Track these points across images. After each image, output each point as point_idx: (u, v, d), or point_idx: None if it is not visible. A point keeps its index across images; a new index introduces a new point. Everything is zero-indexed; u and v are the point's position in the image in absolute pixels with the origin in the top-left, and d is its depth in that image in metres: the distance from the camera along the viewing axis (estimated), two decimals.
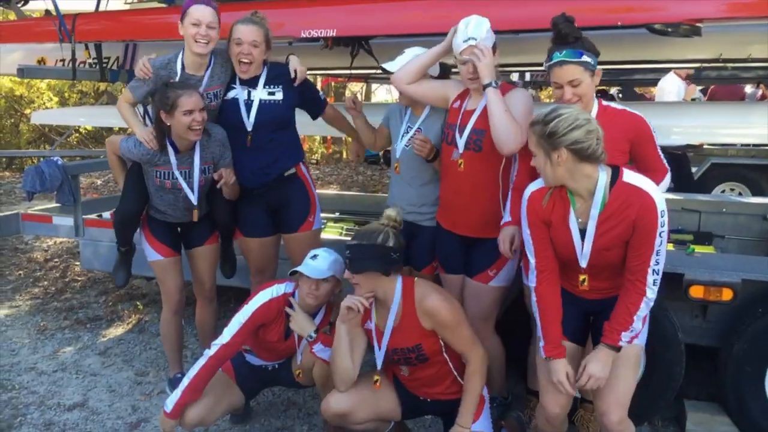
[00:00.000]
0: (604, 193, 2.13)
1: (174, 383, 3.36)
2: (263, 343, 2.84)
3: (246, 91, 3.07)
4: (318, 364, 2.73)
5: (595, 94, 2.50)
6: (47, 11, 4.75)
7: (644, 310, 2.17)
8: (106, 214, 4.77)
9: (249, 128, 3.06)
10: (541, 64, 3.95)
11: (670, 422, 3.11)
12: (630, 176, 2.14)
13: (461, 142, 2.71)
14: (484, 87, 2.58)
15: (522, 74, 7.38)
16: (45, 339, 4.21)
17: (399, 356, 2.54)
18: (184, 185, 3.01)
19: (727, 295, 2.75)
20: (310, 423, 3.17)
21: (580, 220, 2.21)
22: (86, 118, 7.03)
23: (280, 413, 3.26)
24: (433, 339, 2.48)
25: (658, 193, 2.13)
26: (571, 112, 2.11)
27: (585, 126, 2.08)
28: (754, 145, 6.27)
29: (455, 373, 2.57)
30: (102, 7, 4.90)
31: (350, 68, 4.12)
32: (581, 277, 2.30)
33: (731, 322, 2.90)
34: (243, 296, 3.05)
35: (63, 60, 4.93)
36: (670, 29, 3.01)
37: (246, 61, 2.97)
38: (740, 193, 6.33)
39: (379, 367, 2.58)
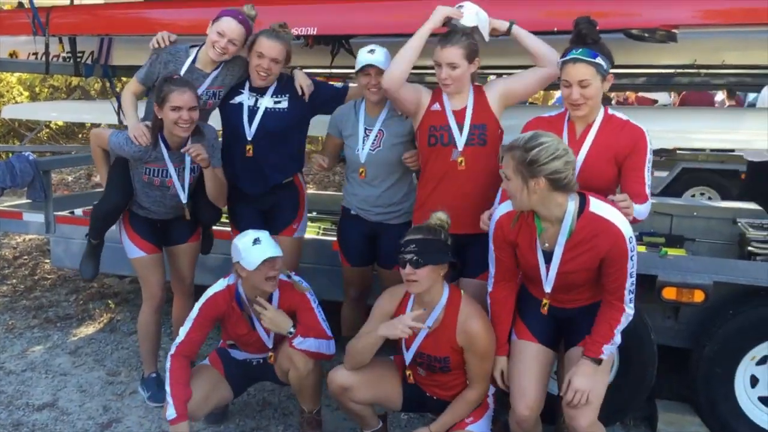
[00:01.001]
0: (571, 222, 2.19)
1: (148, 383, 3.32)
2: (236, 337, 2.85)
3: (254, 99, 3.08)
4: (293, 368, 2.73)
5: (601, 101, 2.48)
6: (20, 3, 4.65)
7: (624, 323, 2.26)
8: (78, 211, 4.68)
9: (249, 138, 3.06)
10: (521, 68, 3.98)
11: (642, 422, 3.15)
12: (596, 205, 2.20)
13: (461, 140, 2.71)
14: (510, 26, 2.74)
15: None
16: (13, 338, 4.11)
17: (423, 360, 2.55)
18: (177, 182, 2.99)
19: (698, 296, 2.80)
20: (285, 423, 3.15)
21: (546, 244, 2.27)
22: (58, 113, 6.88)
23: (255, 413, 3.24)
24: (461, 355, 2.49)
25: (623, 221, 2.19)
26: (552, 141, 2.15)
27: (564, 157, 2.13)
28: (723, 151, 6.40)
29: (467, 382, 2.58)
30: (77, 1, 4.82)
31: (330, 67, 4.11)
32: (543, 301, 2.40)
33: (703, 323, 2.95)
34: None
35: (36, 53, 4.84)
36: (646, 34, 3.06)
37: (264, 74, 2.97)
38: (710, 198, 6.45)
39: (407, 363, 2.60)
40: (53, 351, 3.93)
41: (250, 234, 2.66)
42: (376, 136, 2.96)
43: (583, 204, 2.20)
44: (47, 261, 5.57)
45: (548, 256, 2.28)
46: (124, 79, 5.81)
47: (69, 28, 4.35)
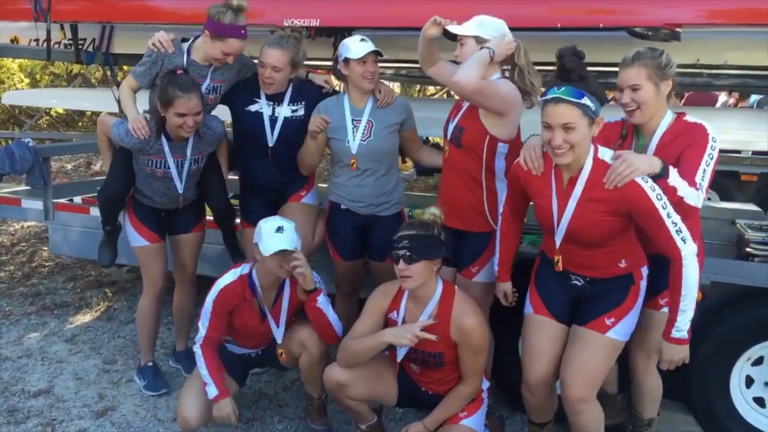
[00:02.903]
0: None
1: (144, 372, 3.32)
2: (243, 330, 2.82)
3: (271, 108, 3.11)
4: (305, 353, 2.74)
5: (590, 145, 2.18)
6: None
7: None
8: (78, 199, 4.68)
9: (271, 144, 3.12)
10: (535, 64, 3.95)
11: None
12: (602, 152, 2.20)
13: (448, 135, 2.74)
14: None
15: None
16: (10, 324, 4.11)
17: (417, 356, 2.55)
18: (175, 174, 3.00)
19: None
20: (281, 414, 3.16)
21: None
22: (59, 100, 6.90)
23: (251, 404, 3.24)
24: (455, 350, 2.48)
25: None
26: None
27: None
28: (722, 153, 6.39)
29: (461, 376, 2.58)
30: None
31: (333, 59, 4.09)
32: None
33: (700, 323, 2.94)
34: None
35: (37, 40, 4.82)
36: (650, 33, 3.06)
37: (268, 82, 3.01)
38: (709, 198, 6.45)
39: (399, 359, 2.59)
40: (50, 338, 3.93)
41: (277, 221, 2.67)
42: (366, 126, 2.96)
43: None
44: (45, 248, 5.57)
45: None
46: (125, 67, 5.80)
47: (71, 14, 4.34)
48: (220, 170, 3.22)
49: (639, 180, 2.08)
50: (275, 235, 2.59)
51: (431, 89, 11.06)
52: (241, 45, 2.95)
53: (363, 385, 2.59)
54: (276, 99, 3.11)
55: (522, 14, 3.00)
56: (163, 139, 2.93)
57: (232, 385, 2.89)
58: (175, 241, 3.28)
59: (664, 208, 2.07)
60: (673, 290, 2.16)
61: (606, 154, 2.18)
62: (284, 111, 3.11)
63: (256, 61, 3.11)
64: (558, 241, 2.32)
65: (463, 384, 2.53)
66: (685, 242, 2.09)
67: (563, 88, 2.10)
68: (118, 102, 4.91)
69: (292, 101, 3.11)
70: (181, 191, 3.06)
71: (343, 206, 3.08)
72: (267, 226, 2.63)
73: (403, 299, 2.52)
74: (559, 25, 3.18)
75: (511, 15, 2.89)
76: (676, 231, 2.08)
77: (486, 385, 2.64)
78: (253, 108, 3.13)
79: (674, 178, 2.16)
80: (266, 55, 2.97)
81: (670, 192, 2.14)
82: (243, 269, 2.78)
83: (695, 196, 2.18)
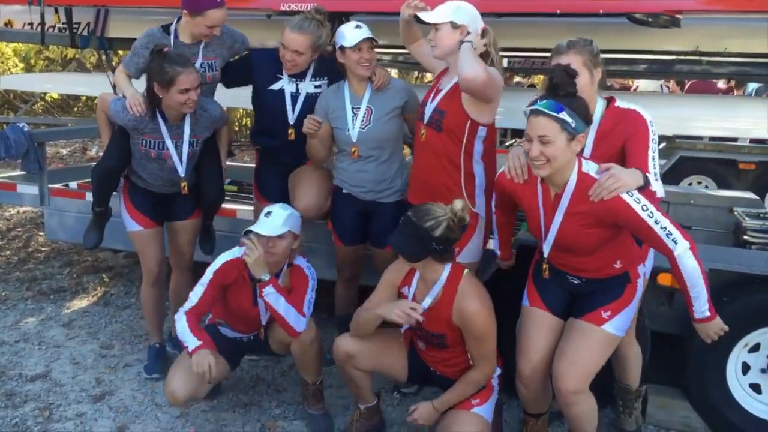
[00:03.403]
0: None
1: (149, 352, 3.34)
2: (237, 311, 2.82)
3: (294, 84, 3.09)
4: (296, 341, 2.71)
5: (574, 159, 2.19)
6: None
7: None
8: (73, 184, 4.65)
9: (291, 122, 3.10)
10: (522, 50, 3.94)
11: None
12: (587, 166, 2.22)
13: (425, 118, 2.74)
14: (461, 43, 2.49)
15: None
16: (6, 309, 4.10)
17: (422, 334, 2.56)
18: (174, 156, 2.97)
19: None
20: (278, 399, 3.16)
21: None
22: (53, 84, 6.86)
23: (248, 389, 3.25)
24: (458, 333, 2.47)
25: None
26: None
27: None
28: (720, 140, 6.40)
29: (471, 362, 2.57)
30: None
31: (330, 44, 4.06)
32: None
33: None
34: None
35: (31, 23, 4.78)
36: (650, 19, 3.04)
37: (289, 65, 3.00)
38: (706, 186, 6.45)
39: (402, 331, 2.62)
40: (46, 323, 3.93)
41: (274, 206, 2.72)
42: (365, 113, 2.95)
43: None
44: (41, 233, 5.55)
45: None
46: (120, 51, 5.75)
47: None
48: (218, 156, 3.19)
49: (623, 194, 2.11)
50: (262, 218, 2.66)
51: (428, 76, 11.02)
52: (222, 13, 2.94)
53: (371, 358, 2.62)
54: (298, 76, 3.10)
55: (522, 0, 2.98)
56: (160, 119, 2.91)
57: (223, 367, 2.88)
58: (173, 227, 3.27)
59: (650, 217, 2.11)
60: (681, 285, 2.21)
61: (591, 167, 2.21)
62: (307, 87, 3.10)
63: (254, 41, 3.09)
64: (547, 250, 2.37)
65: (474, 370, 2.51)
66: (676, 243, 2.13)
67: (545, 101, 2.12)
68: (113, 87, 4.89)
69: (314, 76, 3.10)
70: (183, 174, 3.04)
71: (344, 190, 3.08)
72: (265, 210, 2.67)
73: (416, 275, 2.53)
74: (558, 11, 3.16)
75: (511, 0, 2.88)
76: (666, 234, 2.12)
77: (497, 372, 2.62)
78: (276, 86, 3.11)
79: (652, 183, 2.21)
80: (287, 38, 2.95)
81: (651, 196, 2.18)
82: (243, 249, 2.76)
83: (660, 188, 2.24)
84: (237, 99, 3.69)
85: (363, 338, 2.59)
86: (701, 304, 2.20)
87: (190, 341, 2.57)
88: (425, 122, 2.74)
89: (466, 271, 2.48)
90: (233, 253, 2.76)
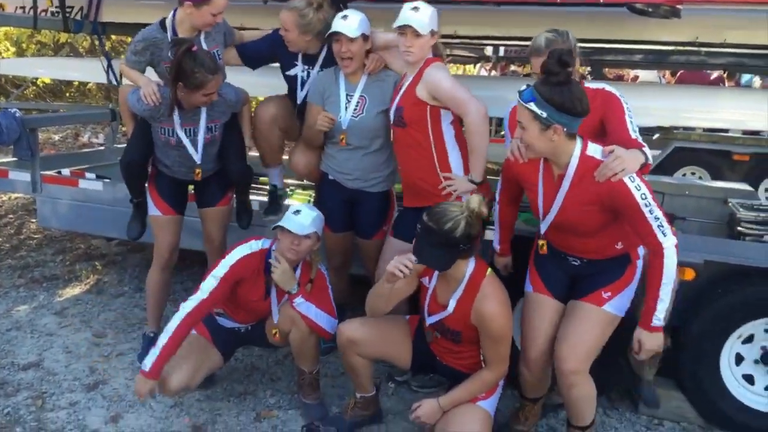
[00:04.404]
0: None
1: (146, 340, 3.32)
2: (243, 302, 2.81)
3: (306, 70, 3.11)
4: (295, 329, 2.72)
5: (573, 146, 2.20)
6: None
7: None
8: (66, 171, 4.61)
9: (299, 103, 3.13)
10: (519, 39, 3.91)
11: (626, 395, 3.18)
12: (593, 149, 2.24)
13: (392, 120, 2.83)
14: None
15: (496, 48, 7.27)
16: None
17: (438, 328, 2.56)
18: (187, 143, 2.98)
19: (689, 275, 2.81)
20: (273, 388, 3.16)
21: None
22: (46, 69, 6.76)
23: (243, 378, 3.24)
24: (474, 332, 2.47)
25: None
26: None
27: None
28: (715, 131, 6.41)
29: (481, 359, 2.56)
30: None
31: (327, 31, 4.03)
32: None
33: (692, 301, 2.96)
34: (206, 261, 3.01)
35: (23, 7, 4.71)
36: (650, 9, 3.02)
37: (286, 42, 3.03)
38: (701, 177, 6.47)
39: (427, 324, 2.60)
40: (39, 311, 3.90)
41: (302, 205, 2.75)
42: (358, 102, 2.93)
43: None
44: (33, 220, 5.50)
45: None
46: (113, 36, 5.69)
47: None
48: (240, 135, 3.17)
49: (626, 178, 2.14)
50: (291, 215, 2.66)
51: None
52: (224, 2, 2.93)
53: (375, 344, 2.62)
54: (310, 62, 3.10)
55: None
56: (175, 112, 2.91)
57: (216, 359, 2.89)
58: (203, 213, 3.29)
59: (647, 206, 2.14)
60: (652, 281, 2.21)
61: (596, 151, 2.22)
62: (315, 72, 3.11)
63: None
64: (543, 228, 2.41)
65: (488, 370, 2.49)
66: (665, 236, 2.16)
67: (525, 89, 2.16)
68: (107, 72, 4.84)
69: (325, 63, 3.09)
70: (198, 161, 3.03)
71: (330, 176, 3.08)
72: (292, 207, 2.71)
73: (434, 276, 2.53)
74: (558, 1, 3.14)
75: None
76: (658, 225, 2.15)
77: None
78: (292, 72, 3.14)
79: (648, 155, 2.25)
80: (281, 17, 2.99)
81: (648, 168, 2.25)
82: (264, 243, 2.76)
83: (648, 153, 2.26)
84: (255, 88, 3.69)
85: (367, 325, 2.59)
86: (663, 309, 2.21)
87: (149, 360, 2.53)
88: (392, 124, 2.83)
89: (489, 270, 2.46)
90: (251, 247, 2.74)
